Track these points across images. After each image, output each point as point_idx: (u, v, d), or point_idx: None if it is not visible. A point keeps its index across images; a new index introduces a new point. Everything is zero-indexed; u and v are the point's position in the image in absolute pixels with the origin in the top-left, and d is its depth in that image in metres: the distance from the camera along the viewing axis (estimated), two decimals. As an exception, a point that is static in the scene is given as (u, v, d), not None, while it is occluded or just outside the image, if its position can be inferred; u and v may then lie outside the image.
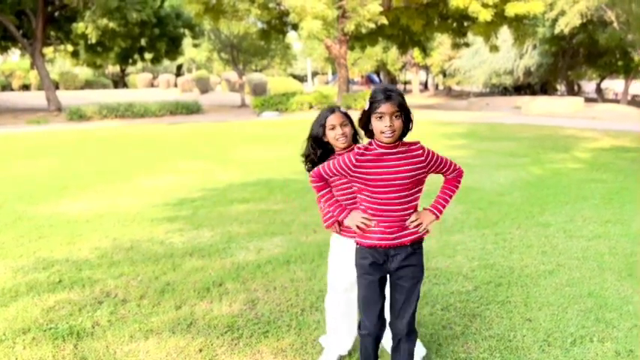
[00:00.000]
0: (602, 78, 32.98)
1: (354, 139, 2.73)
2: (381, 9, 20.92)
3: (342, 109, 2.73)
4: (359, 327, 2.49)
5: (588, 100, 29.13)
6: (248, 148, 12.40)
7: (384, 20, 21.44)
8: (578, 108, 23.99)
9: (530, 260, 4.50)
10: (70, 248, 4.94)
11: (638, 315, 3.50)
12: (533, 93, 34.86)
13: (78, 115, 20.68)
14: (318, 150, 2.74)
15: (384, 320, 2.47)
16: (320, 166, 2.44)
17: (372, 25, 21.52)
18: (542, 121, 19.06)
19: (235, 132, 16.11)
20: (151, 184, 8.00)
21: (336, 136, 2.65)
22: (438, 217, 2.44)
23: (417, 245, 2.37)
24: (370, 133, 2.26)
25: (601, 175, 8.55)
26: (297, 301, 3.76)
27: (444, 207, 2.49)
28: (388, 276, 2.40)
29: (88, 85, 46.19)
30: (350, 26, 21.60)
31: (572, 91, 34.77)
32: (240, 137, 14.88)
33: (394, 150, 2.27)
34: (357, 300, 2.49)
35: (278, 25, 25.68)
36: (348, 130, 2.67)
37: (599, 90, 32.96)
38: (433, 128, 16.85)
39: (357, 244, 2.39)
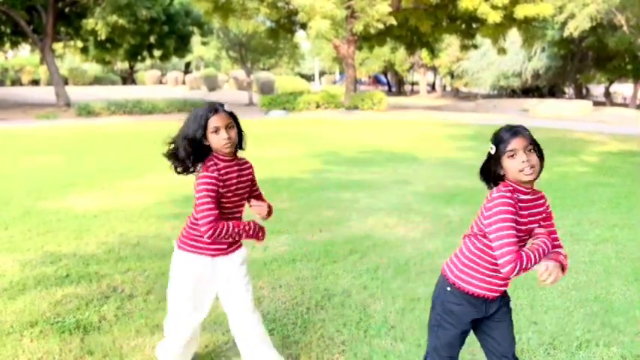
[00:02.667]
0: (611, 82, 32.81)
1: (239, 143, 2.45)
2: (389, 9, 20.89)
3: (227, 107, 2.38)
4: None
5: (597, 103, 28.99)
6: (255, 147, 12.38)
7: (392, 21, 21.41)
8: (586, 111, 23.88)
9: (537, 263, 4.48)
10: (77, 243, 4.97)
11: (644, 320, 3.49)
12: (541, 96, 34.72)
13: (86, 111, 20.77)
14: (192, 153, 2.35)
15: None
16: None
17: (380, 26, 21.49)
18: (550, 124, 18.97)
19: (243, 130, 16.13)
20: (158, 181, 8.03)
21: (220, 141, 2.30)
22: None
23: None
24: (496, 180, 2.07)
25: (608, 179, 8.52)
26: (303, 299, 3.77)
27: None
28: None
29: (97, 81, 46.43)
30: (358, 26, 21.59)
31: (581, 94, 34.61)
32: (248, 135, 14.90)
33: (535, 196, 2.07)
34: (437, 349, 2.22)
35: (286, 24, 25.70)
36: (233, 133, 2.35)
37: (607, 94, 32.78)
38: (440, 129, 16.82)
39: (460, 289, 2.13)
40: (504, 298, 2.23)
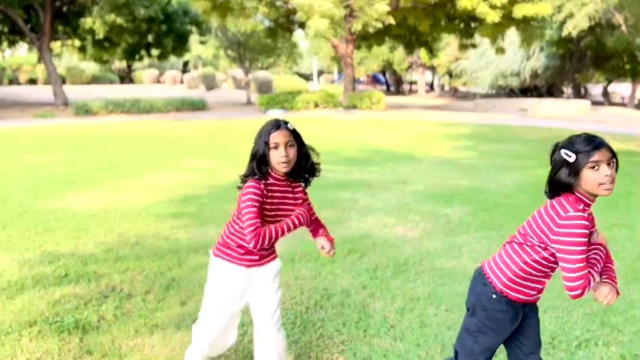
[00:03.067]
0: (609, 81, 32.87)
1: (302, 164, 2.37)
2: (388, 9, 20.89)
3: (290, 125, 2.33)
4: None
5: (595, 103, 29.04)
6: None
7: (391, 20, 21.41)
8: (584, 111, 23.93)
9: (536, 263, 4.48)
10: (75, 242, 4.96)
11: (643, 319, 3.49)
12: (540, 95, 34.75)
13: (84, 110, 20.72)
14: (263, 170, 2.32)
15: None
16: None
17: (379, 25, 21.50)
18: (549, 123, 19.00)
19: (241, 129, 16.12)
20: (157, 181, 8.02)
21: (279, 158, 2.26)
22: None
23: None
24: (560, 189, 1.98)
25: (607, 179, 8.51)
26: (302, 299, 3.76)
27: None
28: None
29: (95, 80, 46.40)
30: (357, 26, 21.58)
31: (579, 94, 34.65)
32: (246, 135, 14.88)
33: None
34: (474, 354, 2.19)
35: (285, 23, 25.70)
36: (292, 152, 2.29)
37: (605, 93, 32.84)
38: (439, 129, 16.83)
39: (507, 297, 2.10)
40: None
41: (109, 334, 3.20)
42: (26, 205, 6.43)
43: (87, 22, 23.78)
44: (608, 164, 1.88)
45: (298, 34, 31.58)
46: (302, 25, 24.31)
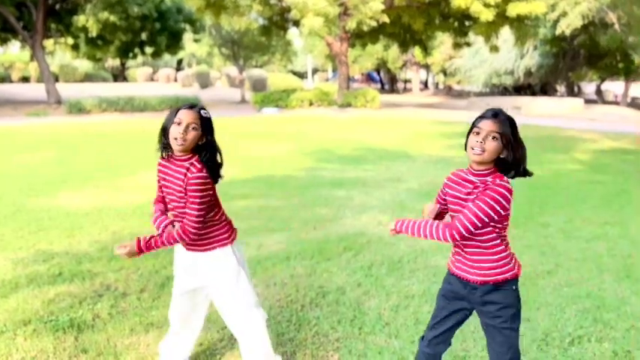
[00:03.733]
0: (603, 80, 33.01)
1: (203, 148, 2.38)
2: (382, 7, 20.89)
3: (205, 111, 2.38)
4: None
5: (588, 101, 29.16)
6: (248, 144, 12.40)
7: (385, 18, 21.42)
8: (578, 109, 24.04)
9: (529, 260, 4.52)
10: (69, 241, 4.95)
11: (635, 316, 3.53)
12: (534, 94, 34.87)
13: (77, 108, 20.62)
14: (163, 142, 2.40)
15: None
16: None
17: (373, 23, 21.51)
18: (542, 121, 19.08)
19: (235, 128, 16.10)
20: (151, 179, 7.97)
21: (174, 134, 2.29)
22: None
23: None
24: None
25: (600, 177, 8.58)
26: (297, 297, 3.77)
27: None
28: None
29: (88, 78, 46.14)
30: (351, 24, 21.58)
31: (573, 92, 34.79)
32: (240, 133, 14.87)
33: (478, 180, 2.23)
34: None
35: (279, 21, 25.65)
36: (193, 135, 2.31)
37: (599, 92, 32.98)
38: (433, 127, 16.86)
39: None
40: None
41: (104, 333, 3.20)
42: (19, 203, 6.40)
43: (80, 19, 23.64)
44: (488, 136, 2.02)
45: (292, 32, 31.57)
46: (296, 23, 24.28)
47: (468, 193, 2.12)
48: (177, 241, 2.38)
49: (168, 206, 2.49)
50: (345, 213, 6.11)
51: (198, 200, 2.31)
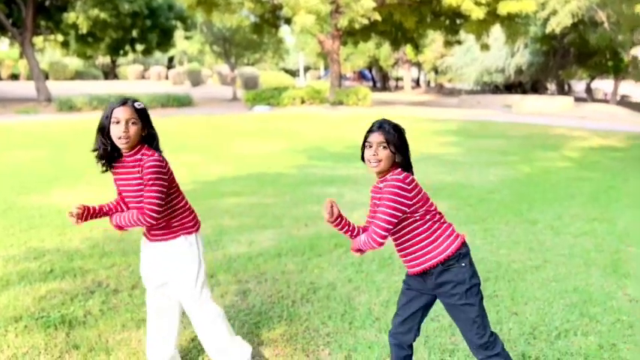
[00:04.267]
0: (592, 78, 33.28)
1: (148, 139, 2.41)
2: (374, 5, 20.95)
3: (139, 103, 2.36)
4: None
5: (578, 99, 29.38)
6: (240, 142, 12.40)
7: (377, 16, 21.47)
8: (568, 107, 24.21)
9: (518, 256, 4.57)
10: (61, 238, 4.94)
11: (621, 310, 3.59)
12: (524, 92, 35.09)
13: (68, 106, 20.51)
14: (108, 143, 2.37)
15: None
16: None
17: (365, 21, 21.56)
18: (533, 119, 19.22)
19: (227, 125, 16.09)
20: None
21: (117, 133, 2.29)
22: None
23: None
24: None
25: (589, 174, 8.67)
26: (289, 292, 3.80)
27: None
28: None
29: (78, 75, 45.84)
30: (343, 22, 21.62)
31: (563, 90, 35.05)
32: (232, 131, 14.86)
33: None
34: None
35: (271, 18, 25.63)
36: (134, 129, 2.31)
37: (588, 90, 33.26)
38: (425, 125, 16.94)
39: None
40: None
41: (95, 329, 3.21)
42: (10, 201, 6.38)
43: (70, 16, 23.49)
44: (379, 146, 2.17)
45: (284, 30, 31.55)
46: (288, 21, 24.29)
47: (379, 199, 2.21)
48: (136, 222, 2.36)
49: (130, 207, 2.50)
50: (337, 210, 6.13)
51: (156, 182, 2.33)
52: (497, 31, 26.53)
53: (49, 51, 40.59)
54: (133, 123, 2.31)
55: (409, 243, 2.26)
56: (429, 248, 2.24)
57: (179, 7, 28.13)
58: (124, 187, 2.45)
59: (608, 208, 6.38)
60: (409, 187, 2.16)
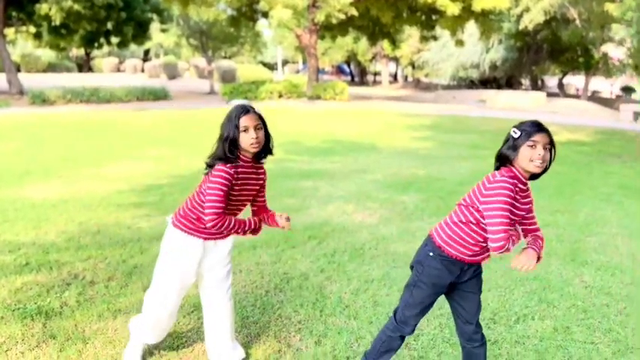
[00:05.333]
0: (564, 74, 33.97)
1: (267, 147, 2.56)
2: (351, 0, 21.06)
3: (257, 109, 2.51)
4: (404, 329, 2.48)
5: (551, 94, 30.00)
6: (216, 136, 12.41)
7: (353, 11, 21.60)
8: (540, 102, 24.75)
9: (483, 246, 4.77)
10: (36, 232, 4.96)
11: (577, 296, 3.80)
12: (499, 87, 35.65)
13: (41, 99, 20.15)
14: (233, 152, 2.46)
15: None
16: None
17: (342, 16, 21.66)
18: (506, 114, 19.61)
19: (204, 119, 16.05)
20: (117, 171, 8.00)
21: (249, 141, 2.43)
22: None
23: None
24: (502, 161, 2.29)
25: (556, 168, 8.89)
26: (262, 282, 3.92)
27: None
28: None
29: (51, 68, 44.96)
30: (320, 16, 21.69)
31: (536, 85, 35.72)
32: (209, 125, 14.85)
33: (527, 188, 2.33)
34: (408, 306, 2.44)
35: (248, 12, 25.55)
36: (261, 134, 2.48)
37: (561, 85, 33.96)
38: (400, 120, 17.16)
39: (444, 252, 2.35)
40: (478, 269, 2.46)
41: (72, 319, 3.29)
42: (-17, 195, 6.34)
43: (43, 7, 23.00)
44: (544, 148, 2.18)
45: (262, 24, 31.42)
46: (265, 15, 24.23)
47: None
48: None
49: (239, 208, 2.63)
50: (312, 203, 6.27)
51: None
52: (472, 27, 26.92)
53: (21, 42, 39.71)
54: (259, 128, 2.47)
55: None
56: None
57: (155, 0, 27.81)
58: (247, 189, 2.56)
59: (571, 200, 6.65)
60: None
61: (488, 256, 2.40)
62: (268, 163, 2.67)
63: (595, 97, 31.80)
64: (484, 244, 2.31)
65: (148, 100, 23.15)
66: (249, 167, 2.55)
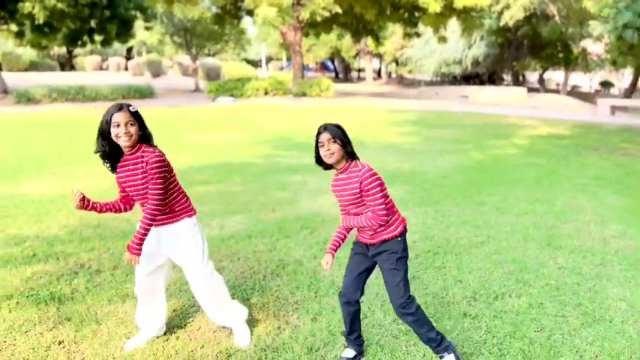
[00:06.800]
0: (545, 69, 34.64)
1: (144, 138, 2.78)
2: (335, -3, 21.33)
3: (133, 107, 2.74)
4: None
5: (531, 90, 30.58)
6: (205, 133, 12.61)
7: (337, 9, 21.87)
8: (521, 98, 25.26)
9: (465, 233, 5.08)
10: (39, 226, 5.16)
11: (551, 276, 4.12)
12: (482, 82, 36.25)
13: (26, 98, 20.13)
14: (107, 146, 2.75)
15: None
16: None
17: (326, 14, 21.90)
18: (488, 109, 20.04)
19: (191, 117, 16.21)
20: (111, 167, 8.16)
21: (118, 134, 2.66)
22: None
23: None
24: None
25: (535, 160, 9.34)
26: (260, 268, 4.18)
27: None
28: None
29: (33, 66, 44.47)
30: (305, 14, 21.90)
31: (518, 81, 36.34)
32: (197, 122, 15.02)
33: (347, 176, 2.85)
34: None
35: (233, 10, 25.66)
36: (134, 129, 2.69)
37: (541, 80, 34.61)
38: (385, 115, 17.48)
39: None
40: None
41: (83, 304, 3.52)
42: (-19, 192, 6.49)
43: (26, 6, 22.87)
44: (330, 142, 2.70)
45: (246, 21, 31.50)
46: (250, 12, 24.37)
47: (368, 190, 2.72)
48: (152, 220, 2.71)
49: (135, 200, 2.86)
50: (302, 196, 6.53)
51: (158, 177, 2.71)
52: (454, 24, 27.35)
53: (1, 41, 39.24)
54: (131, 124, 2.68)
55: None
56: (391, 227, 2.79)
57: (139, -2, 27.76)
58: (129, 184, 2.78)
59: (549, 191, 7.00)
60: (379, 174, 2.73)
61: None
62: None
63: (575, 92, 32.48)
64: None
65: (134, 98, 23.19)
66: (131, 162, 2.78)
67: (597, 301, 3.69)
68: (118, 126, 2.65)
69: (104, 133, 2.72)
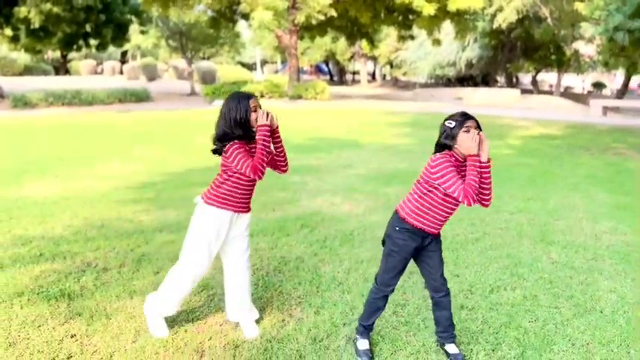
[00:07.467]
0: (538, 71, 34.91)
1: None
2: (330, 1, 21.47)
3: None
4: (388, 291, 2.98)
5: (525, 91, 30.85)
6: (204, 135, 12.69)
7: (333, 12, 22.01)
8: (515, 99, 25.50)
9: (461, 230, 5.22)
10: (44, 227, 5.26)
11: (544, 270, 4.26)
12: (476, 84, 36.47)
13: (23, 102, 20.11)
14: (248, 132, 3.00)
15: None
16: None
17: (321, 17, 22.06)
18: (482, 111, 20.21)
19: (189, 120, 16.31)
20: (111, 170, 8.28)
21: (257, 117, 2.98)
22: None
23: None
24: (442, 149, 2.78)
25: (529, 160, 9.51)
26: (262, 265, 4.30)
27: None
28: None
29: (28, 70, 44.48)
30: (300, 17, 22.05)
31: (511, 82, 36.62)
32: (195, 125, 15.11)
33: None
34: (386, 271, 2.91)
35: (228, 13, 25.79)
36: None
37: (534, 82, 34.89)
38: (381, 117, 17.64)
39: (408, 224, 2.80)
40: (437, 236, 2.91)
41: (93, 300, 3.63)
42: (-16, 195, 6.58)
43: (21, 11, 22.94)
44: (476, 129, 2.70)
45: (241, 24, 31.62)
46: (245, 16, 24.51)
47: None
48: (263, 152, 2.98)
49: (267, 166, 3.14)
50: (301, 196, 6.66)
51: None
52: (448, 27, 27.58)
53: (-4, 45, 39.22)
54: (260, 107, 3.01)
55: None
56: None
57: (134, 2, 27.84)
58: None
59: (543, 189, 7.15)
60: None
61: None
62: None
63: (567, 93, 32.76)
64: (445, 214, 2.79)
65: (130, 102, 23.22)
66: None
67: (589, 293, 3.83)
68: (256, 110, 2.96)
69: (244, 121, 2.94)
